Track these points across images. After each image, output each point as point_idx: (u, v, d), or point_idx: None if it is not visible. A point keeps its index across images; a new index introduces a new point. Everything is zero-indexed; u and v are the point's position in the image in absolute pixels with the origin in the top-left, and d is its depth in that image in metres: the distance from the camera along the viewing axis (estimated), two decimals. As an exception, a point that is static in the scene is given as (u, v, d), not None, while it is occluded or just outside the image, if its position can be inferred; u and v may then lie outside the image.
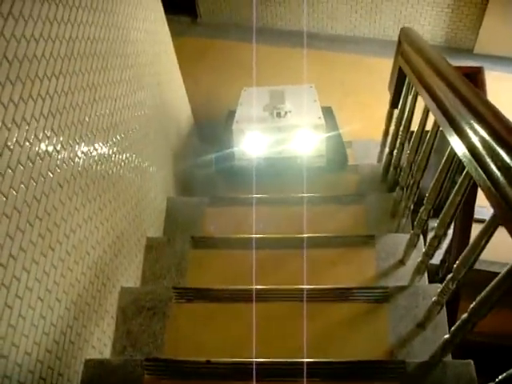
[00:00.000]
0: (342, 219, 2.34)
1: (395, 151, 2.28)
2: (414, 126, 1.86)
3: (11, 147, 1.06)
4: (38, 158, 1.17)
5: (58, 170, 1.28)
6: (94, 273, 1.53)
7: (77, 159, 1.40)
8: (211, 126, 3.46)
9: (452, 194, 1.32)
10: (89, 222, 1.49)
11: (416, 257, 1.77)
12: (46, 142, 1.22)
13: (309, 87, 3.11)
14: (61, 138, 1.30)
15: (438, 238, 1.48)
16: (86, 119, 1.48)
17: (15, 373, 1.09)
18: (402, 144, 2.17)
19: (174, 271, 2.03)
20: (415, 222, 1.71)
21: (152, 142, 2.26)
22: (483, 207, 1.53)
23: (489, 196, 1.00)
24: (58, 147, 1.28)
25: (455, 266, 1.27)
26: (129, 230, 1.88)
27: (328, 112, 3.08)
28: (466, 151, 1.12)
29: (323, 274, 1.94)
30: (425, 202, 1.60)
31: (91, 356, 1.51)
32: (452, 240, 2.25)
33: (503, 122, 0.99)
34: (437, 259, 2.42)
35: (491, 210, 1.04)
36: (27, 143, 1.12)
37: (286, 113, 2.73)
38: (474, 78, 2.13)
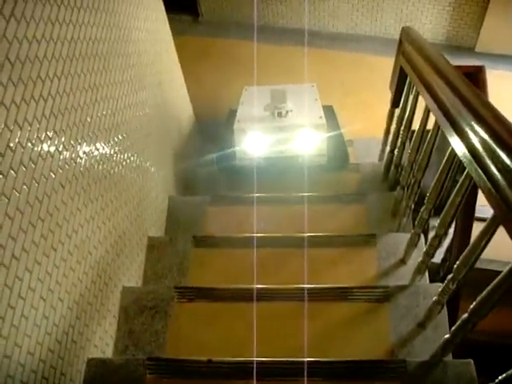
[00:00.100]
0: (342, 218, 2.35)
1: (396, 150, 2.29)
2: (416, 125, 1.86)
3: (13, 148, 1.06)
4: (40, 158, 1.18)
5: (60, 171, 1.28)
6: (96, 272, 1.53)
7: (79, 159, 1.41)
8: (212, 125, 3.46)
9: (452, 195, 1.32)
10: (91, 221, 1.49)
11: (417, 256, 1.78)
12: (48, 142, 1.22)
13: (310, 86, 3.11)
14: (63, 139, 1.30)
15: (439, 238, 1.48)
16: (88, 120, 1.48)
17: (18, 372, 1.10)
18: (403, 143, 2.17)
19: (175, 270, 2.04)
20: (416, 221, 1.71)
21: (153, 142, 2.27)
22: (484, 206, 1.53)
23: (489, 197, 1.01)
24: (60, 148, 1.29)
25: (456, 266, 1.27)
26: (130, 229, 1.89)
27: (329, 111, 3.08)
28: (467, 152, 1.12)
29: (324, 274, 1.95)
30: (426, 201, 1.60)
31: (93, 355, 1.51)
32: (453, 239, 2.25)
33: (504, 124, 0.99)
34: (438, 258, 2.43)
35: (492, 209, 1.05)
36: (29, 144, 1.13)
37: (287, 112, 2.73)
38: (475, 77, 2.13)
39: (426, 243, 1.76)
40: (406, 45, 1.97)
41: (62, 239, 1.29)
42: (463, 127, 1.15)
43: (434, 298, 1.49)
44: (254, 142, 2.74)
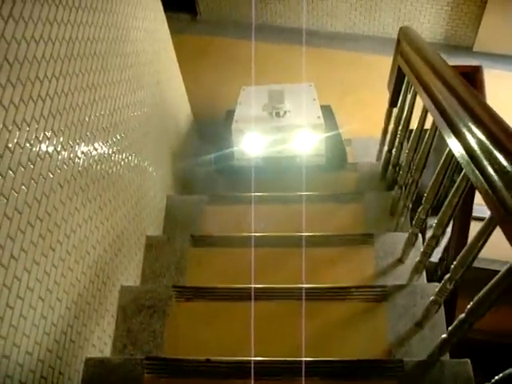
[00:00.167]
0: (340, 217, 2.35)
1: (394, 150, 2.29)
2: (413, 125, 1.87)
3: (12, 149, 1.06)
4: (38, 158, 1.18)
5: (59, 171, 1.28)
6: (94, 272, 1.54)
7: (77, 159, 1.41)
8: (210, 124, 3.46)
9: (450, 195, 1.33)
10: (89, 221, 1.50)
11: (415, 255, 1.78)
12: (47, 142, 1.22)
13: (308, 86, 3.11)
14: (61, 139, 1.30)
15: (436, 238, 1.49)
16: (86, 119, 1.48)
17: (17, 372, 1.10)
18: (401, 143, 2.18)
19: (173, 270, 2.04)
20: (414, 221, 1.71)
21: (151, 141, 2.27)
22: (482, 205, 1.54)
23: (486, 199, 1.01)
24: (59, 148, 1.29)
25: (453, 266, 1.28)
26: (129, 228, 1.89)
27: (327, 110, 3.09)
28: (464, 153, 1.13)
29: (322, 273, 1.95)
30: (423, 201, 1.60)
31: (92, 355, 1.52)
32: (450, 238, 2.26)
33: (501, 125, 0.99)
34: (435, 257, 2.43)
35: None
36: (28, 144, 1.13)
37: (285, 112, 2.73)
38: (473, 77, 2.13)
39: (423, 243, 1.76)
40: (404, 44, 1.97)
41: (60, 239, 1.29)
42: (460, 128, 1.15)
43: (432, 298, 1.49)
44: (252, 142, 2.74)
